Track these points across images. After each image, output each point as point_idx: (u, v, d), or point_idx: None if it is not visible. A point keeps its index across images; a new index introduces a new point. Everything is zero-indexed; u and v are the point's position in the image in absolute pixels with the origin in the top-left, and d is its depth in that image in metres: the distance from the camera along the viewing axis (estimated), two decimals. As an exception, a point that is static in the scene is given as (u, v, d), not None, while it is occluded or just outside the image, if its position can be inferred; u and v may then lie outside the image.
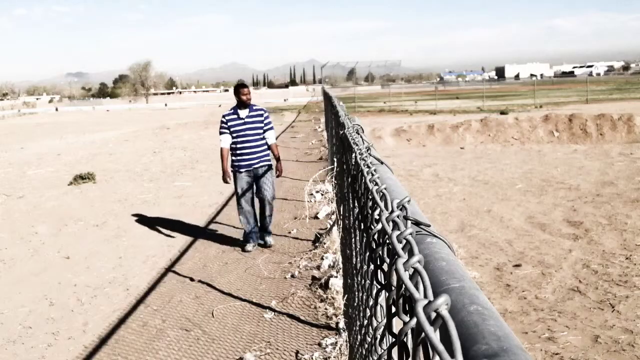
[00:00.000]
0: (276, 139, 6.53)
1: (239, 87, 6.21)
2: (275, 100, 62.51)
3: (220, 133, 6.18)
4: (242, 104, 6.14)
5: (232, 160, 6.23)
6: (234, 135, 6.13)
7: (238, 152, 6.18)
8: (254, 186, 6.28)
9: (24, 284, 5.89)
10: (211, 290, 5.33)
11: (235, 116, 6.16)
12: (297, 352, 3.99)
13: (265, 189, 6.25)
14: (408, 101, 42.36)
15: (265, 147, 6.28)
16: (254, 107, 6.22)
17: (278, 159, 6.37)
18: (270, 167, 6.30)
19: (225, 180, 6.19)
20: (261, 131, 6.22)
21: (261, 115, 6.24)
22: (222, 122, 6.19)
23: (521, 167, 13.14)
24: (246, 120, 6.15)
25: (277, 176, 6.42)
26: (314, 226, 7.22)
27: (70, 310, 5.12)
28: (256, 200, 6.40)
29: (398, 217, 0.88)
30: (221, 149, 6.18)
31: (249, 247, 6.38)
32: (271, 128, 6.35)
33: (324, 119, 20.94)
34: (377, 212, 1.07)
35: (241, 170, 6.18)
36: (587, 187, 10.51)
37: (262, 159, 6.24)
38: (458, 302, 0.68)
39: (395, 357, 0.76)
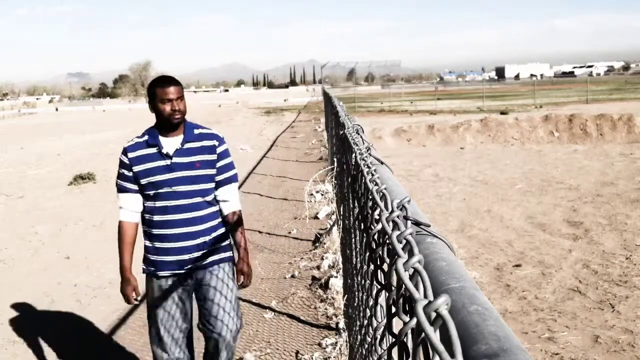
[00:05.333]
0: (238, 182, 3.10)
1: (159, 84, 2.81)
2: (275, 100, 62.57)
3: (119, 189, 2.92)
4: (167, 123, 2.81)
5: (146, 249, 2.96)
6: (149, 192, 2.84)
7: (156, 231, 2.89)
8: (191, 310, 2.99)
9: (24, 284, 5.89)
10: (211, 290, 5.33)
11: (153, 150, 2.84)
12: (297, 352, 3.99)
13: (219, 317, 2.89)
14: (408, 101, 42.39)
15: (217, 220, 2.95)
16: (196, 131, 2.90)
17: (241, 246, 2.98)
18: (227, 265, 2.97)
19: (127, 298, 2.96)
20: (209, 185, 2.90)
21: (212, 148, 2.91)
22: (121, 163, 2.88)
23: (521, 167, 13.14)
24: (176, 160, 2.83)
25: (242, 285, 2.99)
26: (314, 226, 7.22)
27: (70, 310, 5.12)
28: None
29: (398, 217, 0.88)
30: (119, 224, 2.92)
31: None
32: (232, 179, 2.99)
33: (324, 119, 20.94)
34: (377, 212, 1.07)
35: (161, 273, 2.92)
36: (587, 187, 10.51)
37: (208, 249, 2.91)
38: (458, 302, 0.68)
39: (395, 357, 0.76)
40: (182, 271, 2.89)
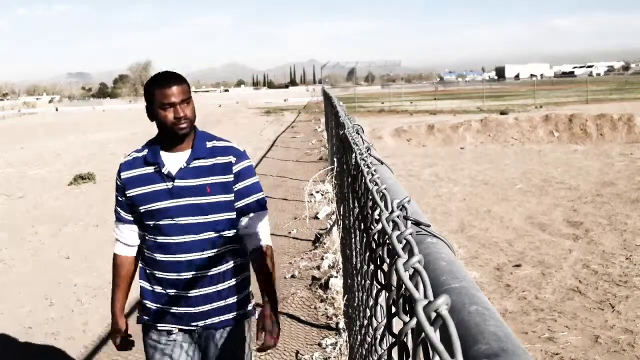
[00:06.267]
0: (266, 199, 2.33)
1: (157, 84, 2.11)
2: (275, 100, 62.61)
3: (115, 216, 2.42)
4: (170, 134, 2.13)
5: (143, 294, 2.28)
6: (149, 223, 2.21)
7: (156, 273, 2.22)
8: None
9: (24, 284, 5.89)
10: (211, 291, 5.33)
11: (152, 169, 2.17)
12: (297, 352, 3.99)
13: None
14: (408, 101, 42.43)
15: (236, 261, 2.25)
16: (209, 144, 2.20)
17: (269, 297, 2.22)
18: (246, 323, 2.30)
19: (118, 344, 2.47)
20: (225, 215, 2.18)
21: (227, 166, 2.18)
22: (115, 185, 2.30)
23: (521, 167, 13.14)
24: (179, 183, 2.13)
25: (264, 347, 2.19)
26: (314, 226, 7.22)
27: (70, 310, 5.12)
28: None
29: (398, 217, 0.88)
30: (113, 257, 2.42)
31: None
32: (258, 205, 2.25)
33: (324, 119, 20.95)
34: (377, 212, 1.07)
35: (160, 326, 2.25)
36: (587, 187, 10.50)
37: (224, 301, 2.21)
38: (458, 302, 0.68)
39: (395, 357, 0.76)
40: (188, 327, 2.20)
